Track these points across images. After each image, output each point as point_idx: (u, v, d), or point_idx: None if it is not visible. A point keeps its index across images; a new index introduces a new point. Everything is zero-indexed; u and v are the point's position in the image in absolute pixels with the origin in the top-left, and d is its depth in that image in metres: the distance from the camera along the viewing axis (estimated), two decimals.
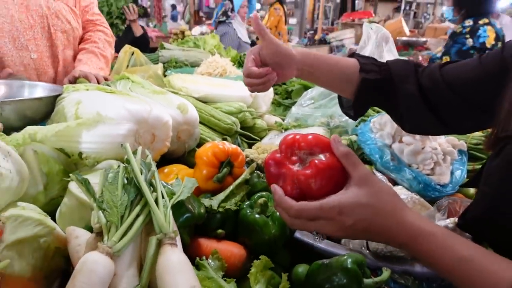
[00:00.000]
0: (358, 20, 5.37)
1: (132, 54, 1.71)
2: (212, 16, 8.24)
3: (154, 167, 0.58)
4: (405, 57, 3.46)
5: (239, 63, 1.82)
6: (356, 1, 7.13)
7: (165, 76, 1.56)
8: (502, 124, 0.52)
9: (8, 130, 0.79)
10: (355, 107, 0.80)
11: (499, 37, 2.05)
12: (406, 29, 5.05)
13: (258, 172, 0.83)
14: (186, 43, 2.13)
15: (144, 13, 3.92)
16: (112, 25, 2.98)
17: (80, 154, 0.73)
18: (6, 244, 0.49)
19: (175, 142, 0.93)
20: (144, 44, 3.31)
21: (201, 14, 11.23)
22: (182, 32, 5.25)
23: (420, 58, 3.55)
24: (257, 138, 1.14)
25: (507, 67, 0.60)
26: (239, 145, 1.08)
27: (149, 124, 0.77)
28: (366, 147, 1.05)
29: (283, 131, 1.17)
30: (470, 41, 2.08)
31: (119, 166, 0.56)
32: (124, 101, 0.79)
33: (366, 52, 1.39)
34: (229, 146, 0.79)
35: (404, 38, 4.37)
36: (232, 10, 3.83)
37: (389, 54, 1.35)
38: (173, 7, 10.06)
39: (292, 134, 0.52)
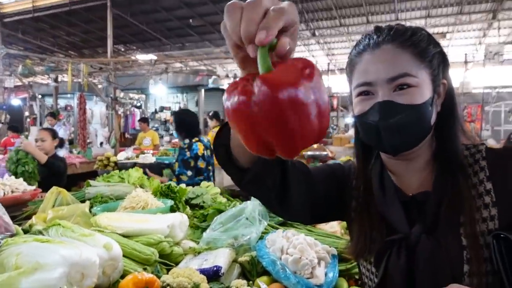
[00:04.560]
0: None
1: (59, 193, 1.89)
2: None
3: None
4: None
5: (161, 194, 2.08)
6: None
7: (90, 210, 1.75)
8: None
9: None
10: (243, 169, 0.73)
11: (206, 146, 3.38)
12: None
13: None
14: (112, 177, 2.37)
15: (60, 145, 4.09)
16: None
17: None
18: None
19: (100, 276, 1.10)
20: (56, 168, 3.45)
21: (127, 135, 11.72)
22: (108, 158, 5.47)
23: None
24: (172, 264, 1.35)
25: (346, 180, 0.89)
26: (158, 272, 1.27)
27: (80, 265, 0.97)
28: (263, 261, 1.32)
29: (196, 254, 1.40)
30: (188, 153, 3.26)
31: None
32: (59, 248, 0.98)
33: None
34: (146, 275, 1.01)
35: (310, 152, 5.10)
36: None
37: None
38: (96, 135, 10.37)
39: None
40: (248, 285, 1.21)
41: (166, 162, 4.79)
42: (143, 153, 5.53)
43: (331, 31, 11.33)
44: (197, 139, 3.34)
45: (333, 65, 14.19)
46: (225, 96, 0.44)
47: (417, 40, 0.75)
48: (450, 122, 0.79)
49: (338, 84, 12.71)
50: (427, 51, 0.75)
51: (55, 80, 9.30)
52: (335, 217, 0.98)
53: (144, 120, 7.95)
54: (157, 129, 9.44)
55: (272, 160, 0.54)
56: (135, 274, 0.98)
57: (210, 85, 7.80)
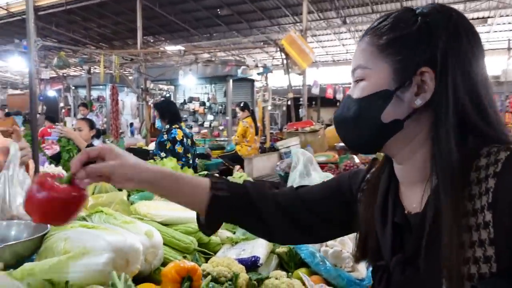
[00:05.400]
0: (302, 129, 6.03)
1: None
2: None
3: None
4: (344, 160, 3.95)
5: None
6: (300, 109, 8.08)
7: (128, 198, 1.78)
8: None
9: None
10: (207, 223, 0.79)
11: (187, 135, 3.74)
12: None
13: (213, 283, 1.03)
14: None
15: (97, 135, 4.25)
16: None
17: (67, 282, 0.91)
18: None
19: (142, 263, 1.12)
20: None
21: (156, 126, 11.97)
22: (140, 148, 5.61)
23: (357, 160, 3.96)
24: (211, 253, 1.35)
25: (352, 192, 0.82)
26: (197, 261, 1.28)
27: (124, 252, 0.98)
28: (302, 252, 1.30)
29: (234, 244, 1.39)
30: (165, 136, 3.58)
31: None
32: (104, 234, 1.00)
33: (298, 170, 1.74)
34: (188, 263, 1.01)
35: (341, 144, 5.00)
36: None
37: (314, 171, 1.71)
38: (131, 124, 10.64)
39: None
40: (288, 277, 1.20)
41: (197, 152, 4.83)
42: None
43: (362, 18, 11.01)
44: (177, 126, 3.68)
45: None
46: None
47: (381, 27, 0.67)
48: (441, 119, 0.62)
49: None
50: (390, 37, 0.65)
51: (88, 71, 9.58)
52: (351, 231, 0.91)
53: None
54: (186, 120, 9.55)
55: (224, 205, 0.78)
56: (177, 262, 0.99)
57: (239, 75, 7.79)
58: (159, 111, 3.86)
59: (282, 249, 1.36)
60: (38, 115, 8.16)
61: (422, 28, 0.63)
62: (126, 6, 10.95)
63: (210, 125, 10.57)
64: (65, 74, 11.07)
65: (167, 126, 3.68)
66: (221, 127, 10.41)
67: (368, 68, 0.66)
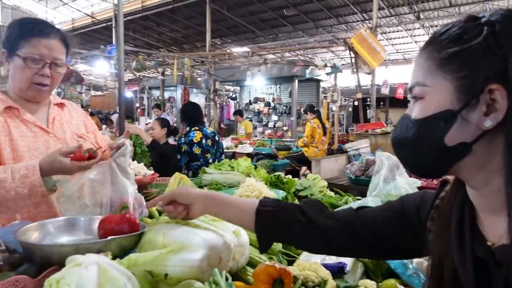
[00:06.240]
0: (372, 131, 5.80)
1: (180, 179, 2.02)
2: (235, 130, 9.01)
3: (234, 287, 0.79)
4: None
5: (270, 184, 2.10)
6: (368, 110, 7.79)
7: None
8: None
9: None
10: (259, 239, 0.90)
11: (207, 136, 3.83)
12: None
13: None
14: (222, 166, 2.46)
15: (174, 133, 4.51)
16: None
17: (166, 275, 0.95)
18: None
19: (231, 261, 1.13)
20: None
21: (222, 126, 12.31)
22: None
23: None
24: (295, 255, 1.33)
25: (420, 219, 0.76)
26: (280, 263, 1.27)
27: (218, 249, 1.00)
28: (391, 263, 1.22)
29: None
30: (183, 139, 3.75)
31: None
32: (198, 231, 1.03)
33: (382, 175, 1.65)
34: (279, 266, 1.00)
35: None
36: None
37: (400, 177, 1.61)
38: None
39: None
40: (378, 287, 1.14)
41: (264, 152, 4.87)
42: (241, 143, 5.73)
43: (439, 12, 10.29)
44: (197, 128, 3.83)
45: None
46: None
47: (441, 40, 0.59)
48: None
49: None
50: (451, 51, 0.57)
51: (162, 73, 10.17)
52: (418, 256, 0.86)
53: (238, 112, 8.28)
54: (251, 120, 9.71)
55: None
56: (268, 264, 0.99)
57: (307, 76, 7.73)
58: (181, 114, 4.22)
59: None
60: (117, 115, 8.85)
61: (488, 38, 0.55)
62: (196, 11, 11.45)
63: (274, 126, 10.63)
64: (141, 76, 11.88)
65: (187, 129, 3.89)
66: (285, 128, 10.41)
67: (427, 86, 0.60)
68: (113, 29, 12.61)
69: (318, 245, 0.88)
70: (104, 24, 11.78)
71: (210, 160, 3.88)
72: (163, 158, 3.90)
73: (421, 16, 10.69)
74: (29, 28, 1.35)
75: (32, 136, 1.41)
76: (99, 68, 10.08)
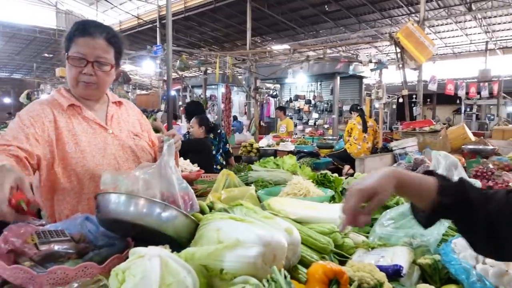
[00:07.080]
0: (419, 129, 5.56)
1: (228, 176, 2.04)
2: (275, 127, 9.01)
3: (293, 285, 0.78)
4: (473, 165, 3.49)
5: (317, 182, 2.07)
6: (414, 107, 7.46)
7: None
8: None
9: None
10: (429, 222, 0.92)
11: None
12: (470, 135, 5.10)
13: None
14: (267, 163, 2.47)
15: (214, 131, 4.61)
16: None
17: (222, 270, 0.96)
18: None
19: (284, 259, 1.12)
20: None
21: (262, 124, 12.33)
22: (251, 145, 5.84)
23: (491, 165, 3.46)
24: (347, 255, 1.30)
25: None
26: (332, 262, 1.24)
27: (272, 247, 0.99)
28: (451, 267, 1.16)
29: (370, 249, 1.32)
30: (188, 136, 4.32)
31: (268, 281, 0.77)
32: (252, 227, 1.03)
33: None
34: (335, 266, 0.98)
35: (470, 146, 4.44)
36: None
37: (459, 176, 1.51)
38: (237, 121, 11.22)
39: None
40: None
41: (306, 150, 4.82)
42: (282, 141, 5.71)
43: (492, 2, 9.64)
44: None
45: (492, 43, 12.07)
46: None
47: None
48: None
49: (499, 66, 10.75)
50: None
51: (204, 72, 10.36)
52: None
53: (281, 108, 8.22)
54: (291, 118, 9.64)
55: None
56: (323, 263, 0.97)
57: (350, 72, 7.53)
58: (185, 112, 4.87)
59: (425, 260, 1.24)
60: (161, 113, 9.14)
61: None
62: (236, 9, 11.55)
63: (314, 124, 10.48)
64: (183, 75, 12.18)
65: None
66: (326, 126, 10.23)
67: None
68: (157, 30, 13.08)
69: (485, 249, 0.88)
70: (149, 25, 12.20)
71: (214, 152, 4.33)
72: (192, 152, 4.02)
73: (473, 7, 10.05)
74: (76, 29, 1.44)
75: (92, 132, 1.49)
76: (146, 68, 10.45)
